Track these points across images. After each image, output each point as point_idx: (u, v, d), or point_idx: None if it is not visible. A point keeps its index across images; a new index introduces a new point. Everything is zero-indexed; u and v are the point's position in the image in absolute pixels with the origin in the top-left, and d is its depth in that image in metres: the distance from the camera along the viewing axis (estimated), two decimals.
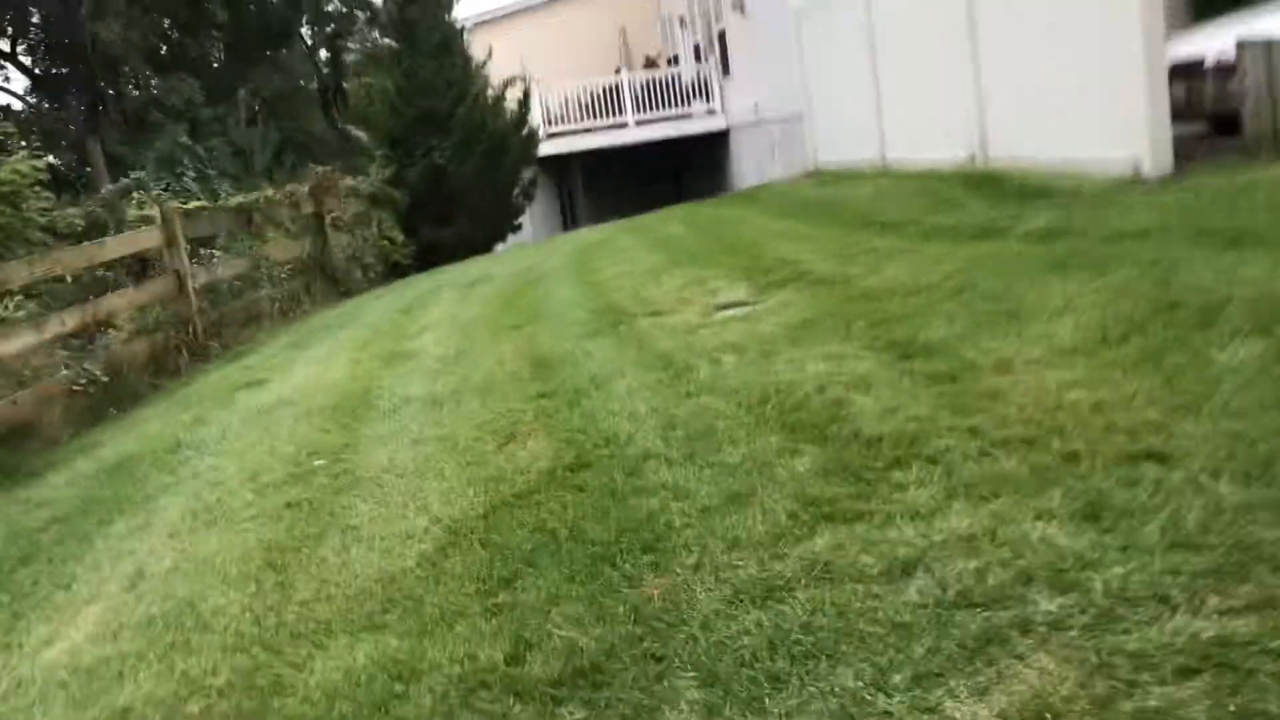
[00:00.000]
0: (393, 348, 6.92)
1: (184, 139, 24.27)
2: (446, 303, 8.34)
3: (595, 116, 23.09)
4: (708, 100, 22.93)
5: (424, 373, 5.91)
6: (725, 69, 22.23)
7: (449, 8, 15.30)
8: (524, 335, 6.22)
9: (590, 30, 25.94)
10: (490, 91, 15.88)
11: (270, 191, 11.18)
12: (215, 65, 44.69)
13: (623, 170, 25.56)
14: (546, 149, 23.18)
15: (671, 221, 10.01)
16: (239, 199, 10.78)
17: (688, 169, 26.28)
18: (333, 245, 12.14)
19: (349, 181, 13.09)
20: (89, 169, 32.69)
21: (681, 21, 25.12)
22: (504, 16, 27.06)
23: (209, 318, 9.51)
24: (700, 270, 6.93)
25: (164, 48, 43.49)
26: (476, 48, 26.31)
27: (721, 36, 22.01)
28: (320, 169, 12.17)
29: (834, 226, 7.53)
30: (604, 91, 22.96)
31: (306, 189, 11.86)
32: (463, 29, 20.42)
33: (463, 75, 14.62)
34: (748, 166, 21.41)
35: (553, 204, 26.70)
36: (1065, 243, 5.42)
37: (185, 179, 22.64)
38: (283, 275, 11.08)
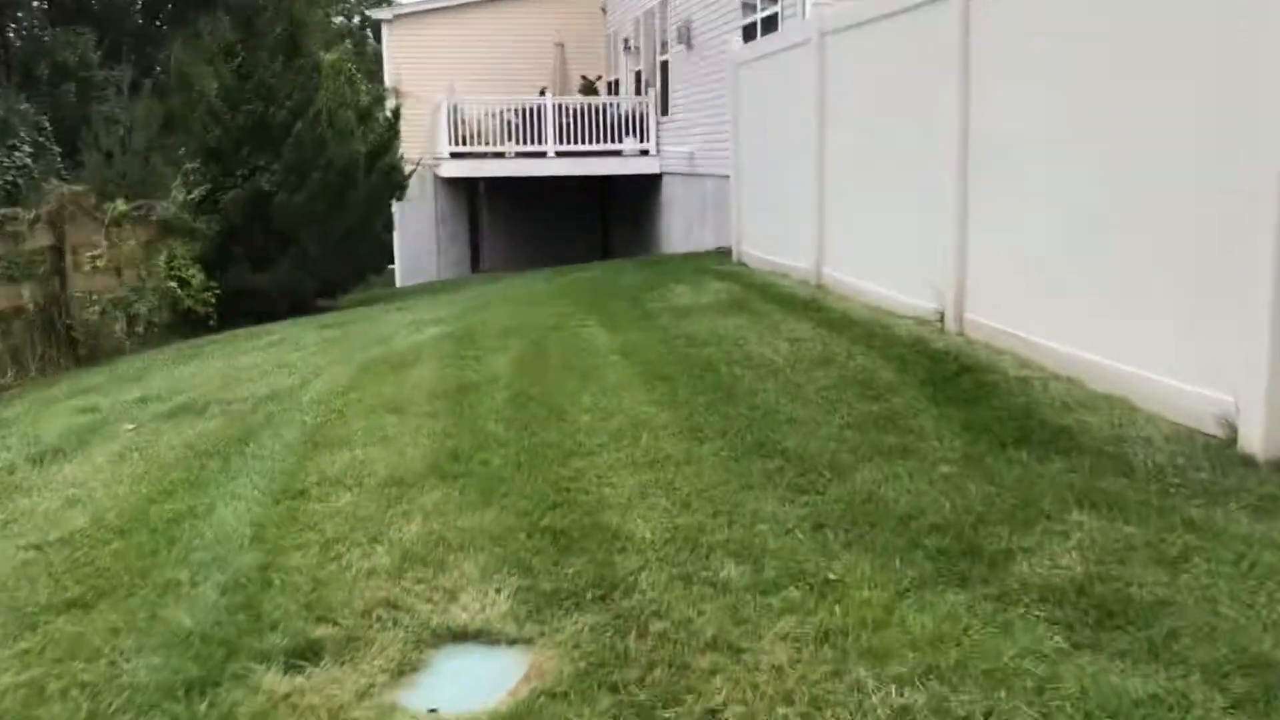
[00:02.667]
0: None
1: (24, 104, 20.60)
2: (87, 467, 5.17)
3: (514, 140, 20.09)
4: (642, 139, 20.05)
5: None
6: (664, 107, 19.39)
7: None
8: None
9: (523, 41, 22.88)
10: (359, 103, 12.74)
11: None
12: (138, 22, 40.61)
13: (542, 204, 22.56)
14: (450, 171, 20.20)
15: (512, 342, 6.99)
16: None
17: (617, 210, 23.37)
18: (75, 290, 8.95)
19: (122, 205, 9.85)
20: None
21: (626, 44, 22.26)
22: (427, 12, 23.96)
23: None
24: (464, 513, 3.93)
25: None
26: (391, 46, 23.33)
27: (664, 69, 19.18)
28: (66, 188, 8.98)
29: (712, 431, 4.58)
30: (524, 113, 19.95)
31: (41, 214, 8.67)
32: (362, 24, 17.24)
33: (308, 81, 11.46)
34: (677, 224, 18.57)
35: (461, 229, 23.63)
36: (1144, 632, 2.55)
37: (18, 153, 19.09)
38: None
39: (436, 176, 21.18)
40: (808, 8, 11.30)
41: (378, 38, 24.36)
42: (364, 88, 13.94)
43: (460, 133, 19.81)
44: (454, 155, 19.84)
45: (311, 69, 11.50)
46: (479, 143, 19.90)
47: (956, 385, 4.90)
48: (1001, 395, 4.68)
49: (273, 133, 11.26)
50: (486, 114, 20.13)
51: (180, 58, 11.68)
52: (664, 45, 18.85)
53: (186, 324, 10.88)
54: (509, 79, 21.66)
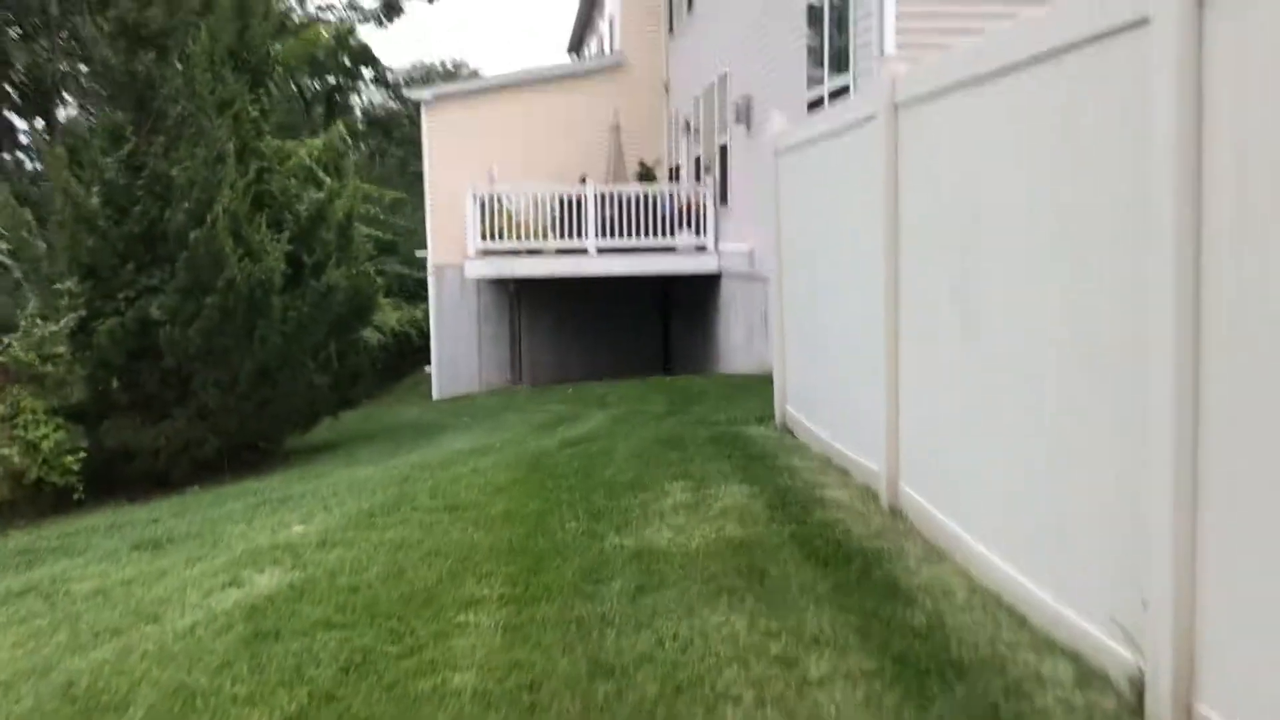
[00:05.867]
0: None
1: None
2: None
3: (555, 234, 17.41)
4: (699, 232, 17.13)
5: None
6: (724, 196, 16.46)
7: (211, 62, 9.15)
8: None
9: (577, 123, 20.34)
10: (315, 198, 9.99)
11: None
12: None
13: (594, 302, 19.77)
14: (476, 271, 17.59)
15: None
16: None
17: (680, 309, 20.37)
18: None
19: None
20: None
21: (687, 126, 19.52)
22: (473, 92, 21.73)
23: None
24: None
25: None
26: (431, 129, 20.97)
27: (724, 154, 16.29)
28: None
29: None
30: (562, 205, 17.24)
31: None
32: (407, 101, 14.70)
33: (211, 175, 8.70)
34: (738, 332, 15.49)
35: (504, 330, 20.96)
36: None
37: None
38: None
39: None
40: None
41: (417, 120, 22.10)
42: (329, 181, 11.23)
43: (493, 226, 17.19)
44: (483, 253, 17.21)
45: (215, 159, 8.75)
46: (512, 237, 17.24)
47: None
48: None
49: (168, 243, 8.57)
50: (525, 204, 17.51)
51: (45, 147, 9.11)
52: (723, 126, 15.99)
53: (42, 499, 8.11)
54: (560, 165, 19.13)
